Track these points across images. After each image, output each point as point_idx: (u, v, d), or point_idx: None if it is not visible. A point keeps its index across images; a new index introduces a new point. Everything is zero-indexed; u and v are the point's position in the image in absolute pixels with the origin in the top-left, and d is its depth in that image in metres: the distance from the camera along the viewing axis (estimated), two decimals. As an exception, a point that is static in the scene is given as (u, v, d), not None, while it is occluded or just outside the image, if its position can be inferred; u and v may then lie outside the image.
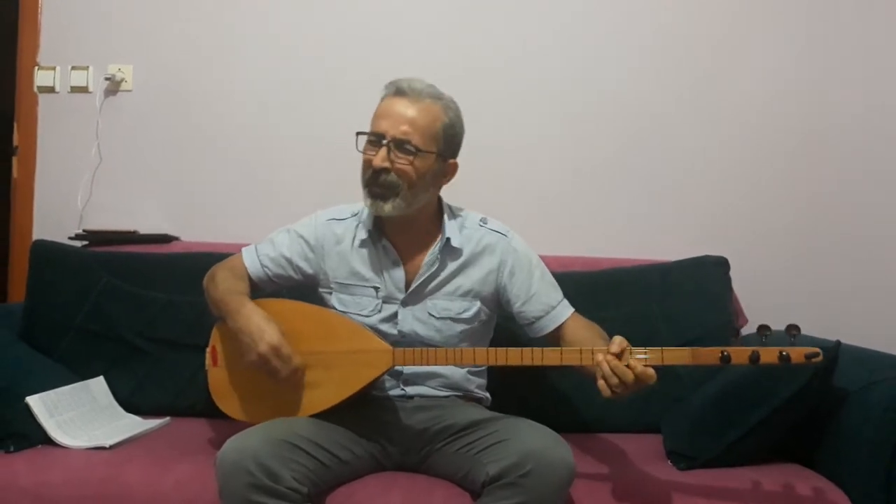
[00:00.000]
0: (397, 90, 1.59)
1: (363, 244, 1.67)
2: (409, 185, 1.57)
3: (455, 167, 1.67)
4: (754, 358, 1.31)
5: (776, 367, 1.32)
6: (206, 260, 2.00)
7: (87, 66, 2.44)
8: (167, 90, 2.43)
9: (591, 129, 2.37)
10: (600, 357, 1.36)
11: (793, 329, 1.30)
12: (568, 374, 1.96)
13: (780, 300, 2.26)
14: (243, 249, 1.74)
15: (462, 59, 2.37)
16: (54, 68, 2.45)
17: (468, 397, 1.69)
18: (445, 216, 1.68)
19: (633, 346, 1.37)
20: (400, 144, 1.55)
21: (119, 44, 2.43)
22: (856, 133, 2.34)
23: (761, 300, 2.20)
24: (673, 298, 2.01)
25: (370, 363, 1.53)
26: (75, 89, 2.44)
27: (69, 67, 2.44)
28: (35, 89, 2.46)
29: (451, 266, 1.66)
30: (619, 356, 1.35)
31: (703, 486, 1.51)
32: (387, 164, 1.55)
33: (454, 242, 1.65)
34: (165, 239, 2.31)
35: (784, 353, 1.29)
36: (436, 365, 1.55)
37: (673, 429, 1.77)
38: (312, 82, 2.39)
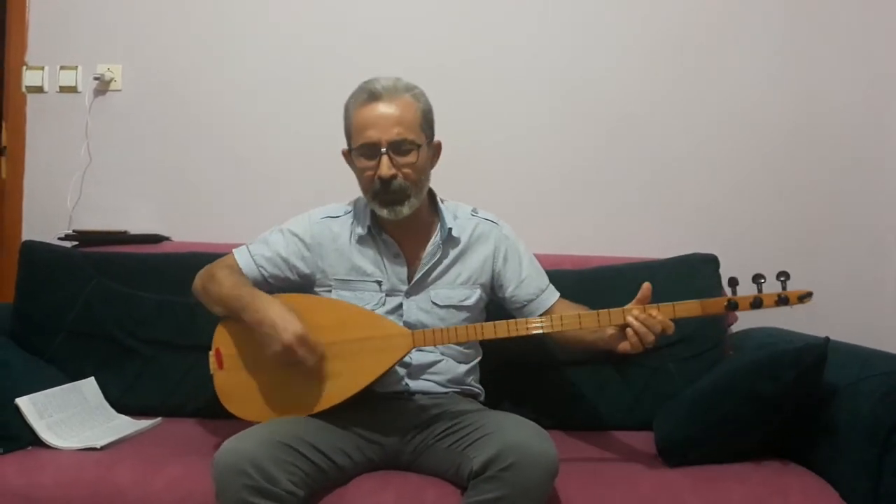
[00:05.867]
0: (371, 95, 1.59)
1: (362, 240, 1.68)
2: (415, 182, 1.61)
3: (440, 146, 1.70)
4: (756, 303, 1.46)
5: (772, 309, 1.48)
6: (196, 260, 1.99)
7: (76, 66, 2.43)
8: (157, 90, 2.42)
9: (580, 127, 2.37)
10: (630, 318, 1.46)
11: (782, 275, 1.46)
12: (562, 371, 1.98)
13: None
14: (234, 251, 1.72)
15: (450, 54, 2.38)
16: (43, 68, 2.44)
17: (465, 392, 1.71)
18: (441, 208, 1.71)
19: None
20: (397, 147, 1.57)
21: (108, 43, 2.43)
22: (844, 129, 2.35)
23: (751, 297, 2.21)
24: (663, 297, 2.01)
25: (390, 348, 1.53)
26: (64, 89, 2.43)
27: (58, 67, 2.43)
28: (23, 89, 2.45)
29: (451, 255, 1.70)
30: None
31: (694, 483, 1.51)
32: (394, 171, 1.57)
33: (455, 232, 1.69)
34: (156, 239, 2.30)
35: (782, 297, 1.46)
36: (456, 342, 1.56)
37: (664, 426, 1.78)
38: (303, 82, 2.39)
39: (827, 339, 1.54)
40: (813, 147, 2.35)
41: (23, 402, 1.66)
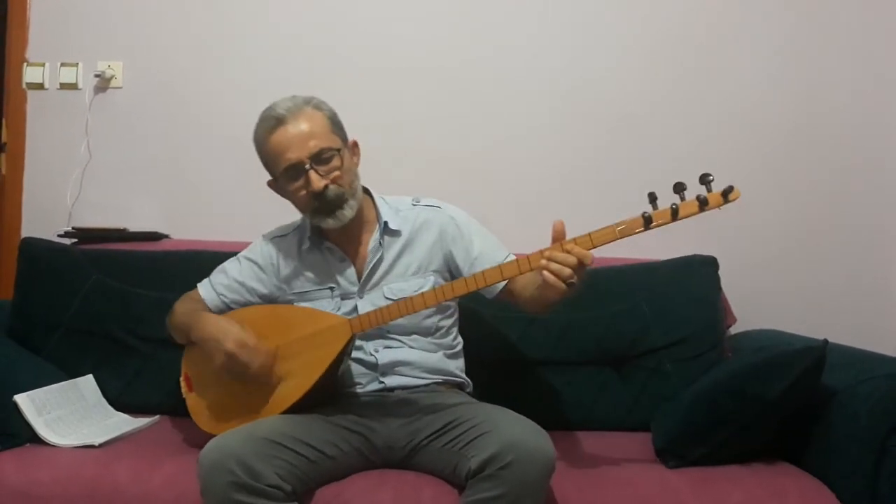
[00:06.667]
0: (277, 120, 1.61)
1: (309, 251, 1.73)
2: (348, 184, 1.63)
3: (356, 143, 1.72)
4: (674, 211, 1.35)
5: (697, 215, 1.38)
6: (196, 258, 2.01)
7: (77, 63, 2.43)
8: (157, 87, 2.42)
9: (579, 127, 2.37)
10: (543, 262, 1.37)
11: (707, 176, 1.34)
12: (560, 371, 1.98)
13: (768, 299, 2.28)
14: (198, 285, 1.79)
15: (450, 55, 2.37)
16: (43, 65, 2.43)
17: (449, 383, 1.71)
18: (378, 203, 1.73)
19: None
20: (318, 158, 1.59)
21: (109, 40, 2.42)
22: (844, 129, 2.34)
23: (749, 299, 2.22)
24: (662, 298, 2.02)
25: (332, 339, 1.55)
26: (64, 86, 2.43)
27: (58, 64, 2.43)
28: (24, 86, 2.45)
29: (395, 248, 1.70)
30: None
31: (693, 484, 1.51)
32: (325, 182, 1.59)
33: (392, 225, 1.70)
34: (155, 236, 2.30)
35: (702, 197, 1.34)
36: (391, 320, 1.56)
37: (663, 427, 1.78)
38: (303, 81, 2.36)
39: (825, 342, 1.54)
40: (813, 147, 2.35)
41: (21, 399, 1.66)
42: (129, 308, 2.03)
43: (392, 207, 1.74)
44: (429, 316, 1.69)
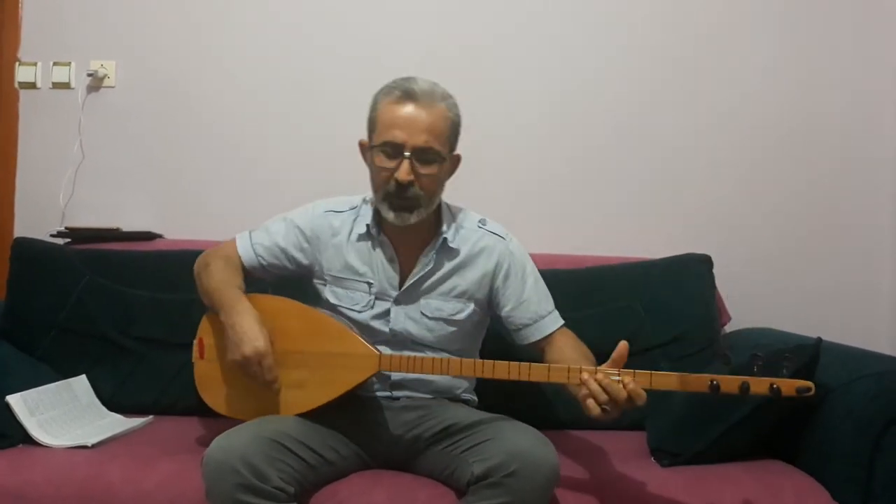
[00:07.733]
0: (406, 94, 1.51)
1: (360, 238, 1.65)
2: (431, 194, 1.56)
3: (459, 158, 1.64)
4: (744, 388, 1.28)
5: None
6: (189, 257, 1.98)
7: (69, 62, 2.41)
8: (150, 86, 2.41)
9: (576, 127, 2.37)
10: (586, 376, 1.33)
11: (785, 357, 1.28)
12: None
13: (762, 298, 2.28)
14: (237, 235, 1.71)
15: (452, 53, 2.36)
16: (35, 64, 2.42)
17: (455, 399, 1.69)
18: (444, 215, 1.66)
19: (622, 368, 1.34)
20: (422, 154, 1.51)
21: (101, 39, 2.41)
22: (839, 131, 2.36)
23: (744, 298, 2.22)
24: (657, 296, 2.02)
25: (356, 367, 1.51)
26: (57, 85, 2.42)
27: (51, 63, 2.42)
28: (16, 85, 2.43)
29: (447, 266, 1.63)
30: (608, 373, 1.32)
31: (687, 483, 1.51)
32: (412, 178, 1.51)
33: (451, 243, 1.63)
34: (148, 236, 2.29)
35: (775, 386, 1.27)
36: (422, 373, 1.52)
37: (657, 426, 1.78)
38: (301, 79, 2.37)
39: (819, 340, 1.54)
40: (807, 148, 2.36)
41: (14, 400, 1.65)
42: (123, 308, 2.02)
43: (455, 222, 1.66)
44: (454, 341, 1.64)
